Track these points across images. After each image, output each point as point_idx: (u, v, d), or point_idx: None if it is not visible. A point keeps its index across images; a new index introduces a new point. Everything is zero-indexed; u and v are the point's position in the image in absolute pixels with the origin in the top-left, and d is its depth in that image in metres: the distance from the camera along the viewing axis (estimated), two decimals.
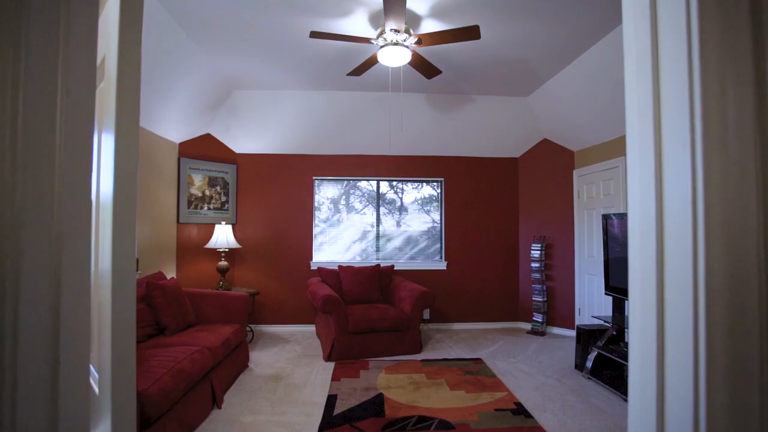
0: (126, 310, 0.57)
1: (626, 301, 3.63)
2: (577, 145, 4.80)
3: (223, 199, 4.97)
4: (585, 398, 3.01)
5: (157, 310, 3.04)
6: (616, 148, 4.15)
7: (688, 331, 0.47)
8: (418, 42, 2.82)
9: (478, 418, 2.66)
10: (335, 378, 3.38)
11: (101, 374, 0.62)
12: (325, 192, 5.35)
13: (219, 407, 2.78)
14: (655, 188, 0.52)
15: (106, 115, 0.63)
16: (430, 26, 2.98)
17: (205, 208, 4.80)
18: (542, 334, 4.87)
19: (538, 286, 4.94)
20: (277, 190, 5.17)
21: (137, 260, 3.67)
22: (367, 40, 2.80)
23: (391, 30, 2.72)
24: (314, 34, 2.73)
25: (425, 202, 5.45)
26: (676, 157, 0.49)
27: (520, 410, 2.78)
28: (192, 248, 4.67)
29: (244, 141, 4.97)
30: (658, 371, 0.51)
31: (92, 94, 0.51)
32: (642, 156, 0.55)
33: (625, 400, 2.94)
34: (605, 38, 3.15)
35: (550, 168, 5.12)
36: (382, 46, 2.83)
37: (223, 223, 4.64)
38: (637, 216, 0.56)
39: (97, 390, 0.65)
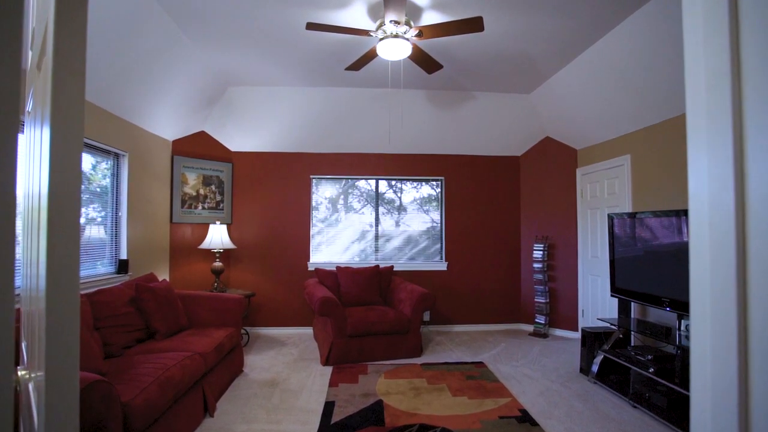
0: (64, 329, 0.46)
1: (632, 303, 3.53)
2: (580, 143, 4.70)
3: (218, 198, 4.85)
4: (592, 404, 2.90)
5: (147, 314, 2.92)
6: (621, 145, 4.05)
7: None
8: (419, 34, 2.71)
9: (482, 426, 2.55)
10: (333, 383, 3.26)
11: (38, 402, 0.51)
12: (323, 191, 5.23)
13: (211, 415, 2.66)
14: (734, 178, 0.41)
15: (45, 98, 0.52)
16: (431, 18, 2.87)
17: (200, 207, 4.67)
18: (545, 336, 4.77)
19: (541, 287, 4.84)
20: (273, 189, 5.06)
21: (127, 261, 3.54)
22: (365, 33, 2.69)
23: (390, 22, 2.61)
24: (311, 26, 2.62)
25: (424, 201, 5.34)
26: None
27: (525, 417, 2.67)
28: (186, 249, 4.54)
29: (239, 139, 4.85)
30: (740, 412, 0.40)
31: (15, 62, 0.40)
32: (713, 137, 0.44)
33: (633, 406, 2.84)
34: (611, 32, 3.05)
35: (552, 166, 5.01)
36: (381, 39, 2.71)
37: (218, 222, 4.52)
38: (706, 214, 0.44)
39: (36, 421, 0.54)
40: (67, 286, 0.47)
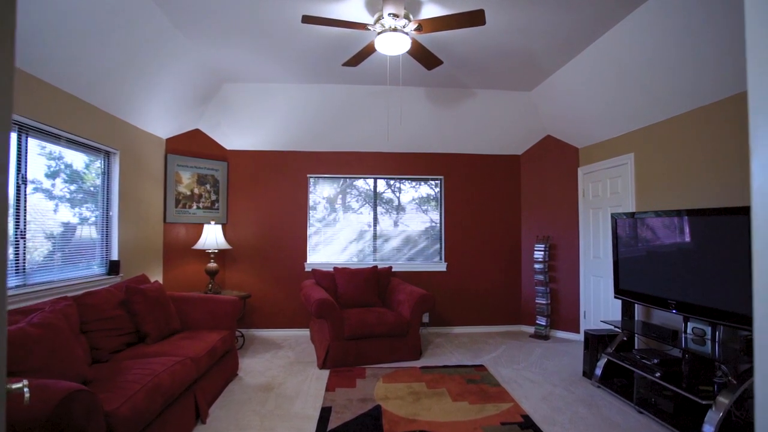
0: None
1: (636, 305, 3.45)
2: (581, 141, 4.62)
3: (213, 197, 4.75)
4: (596, 409, 2.82)
5: (138, 317, 2.82)
6: (624, 144, 3.97)
7: None
8: (419, 28, 2.62)
9: None
10: (330, 388, 3.17)
11: None
12: (321, 190, 5.14)
13: (203, 422, 2.57)
14: None
15: None
16: (430, 11, 2.78)
17: (194, 207, 4.58)
18: (546, 338, 4.69)
19: (542, 288, 4.76)
20: (269, 188, 4.96)
21: (118, 262, 3.45)
22: (363, 27, 2.60)
23: (389, 15, 2.52)
24: (306, 19, 2.53)
25: (423, 201, 5.26)
26: None
27: (528, 424, 2.59)
28: (180, 249, 4.45)
29: (235, 137, 4.76)
30: None
31: None
32: None
33: (639, 411, 2.76)
34: (614, 28, 2.97)
35: (553, 165, 4.93)
36: (379, 33, 2.62)
37: (213, 222, 4.42)
38: None
39: None
40: None
